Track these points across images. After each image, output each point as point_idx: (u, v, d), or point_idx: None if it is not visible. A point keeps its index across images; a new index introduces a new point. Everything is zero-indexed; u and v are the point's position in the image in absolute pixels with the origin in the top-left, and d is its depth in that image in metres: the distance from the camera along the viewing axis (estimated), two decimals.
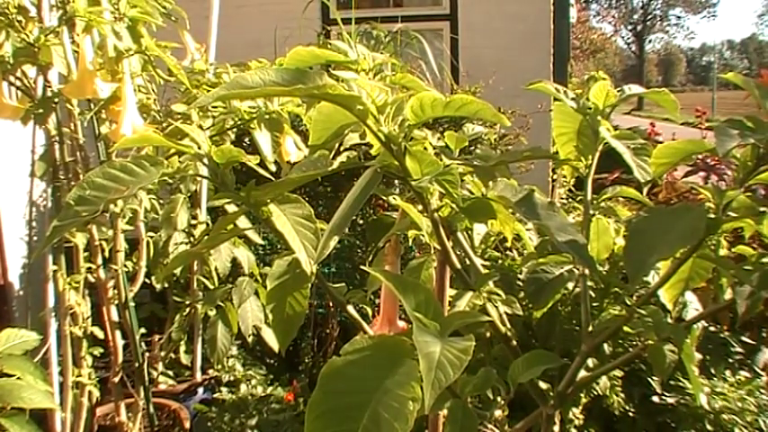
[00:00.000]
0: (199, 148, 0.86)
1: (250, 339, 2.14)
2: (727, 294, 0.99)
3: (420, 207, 0.95)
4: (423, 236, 0.99)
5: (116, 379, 1.91)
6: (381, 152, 0.84)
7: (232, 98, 1.35)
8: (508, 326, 1.02)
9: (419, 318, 0.72)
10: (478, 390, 0.85)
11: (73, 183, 1.65)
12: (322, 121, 0.88)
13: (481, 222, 1.20)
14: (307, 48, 0.93)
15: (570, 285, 1.18)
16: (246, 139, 2.41)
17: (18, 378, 1.43)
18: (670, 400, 1.97)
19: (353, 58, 0.99)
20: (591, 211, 1.10)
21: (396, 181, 2.38)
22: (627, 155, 0.97)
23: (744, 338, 2.27)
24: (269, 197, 0.87)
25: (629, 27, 47.54)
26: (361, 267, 1.26)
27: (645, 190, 1.03)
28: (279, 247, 2.70)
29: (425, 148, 0.90)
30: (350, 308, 0.95)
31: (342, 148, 1.02)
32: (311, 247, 0.84)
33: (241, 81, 0.71)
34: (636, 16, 47.29)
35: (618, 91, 1.04)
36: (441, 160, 0.84)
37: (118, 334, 1.87)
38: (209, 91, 1.87)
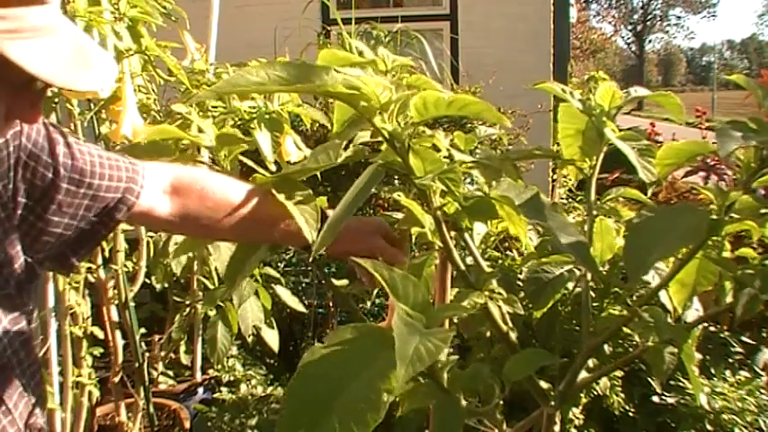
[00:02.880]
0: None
1: (250, 339, 2.13)
2: (729, 297, 0.99)
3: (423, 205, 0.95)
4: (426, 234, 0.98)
5: (116, 379, 1.91)
6: (384, 149, 0.84)
7: (234, 93, 1.35)
8: (510, 325, 1.01)
9: (402, 308, 0.70)
10: (468, 384, 0.84)
11: None
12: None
13: (483, 221, 1.20)
14: (330, 50, 0.92)
15: (570, 285, 1.18)
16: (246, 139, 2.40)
17: None
18: (670, 400, 1.97)
19: (371, 59, 0.99)
20: (594, 212, 1.10)
21: (395, 182, 2.38)
22: (632, 156, 0.97)
23: (744, 338, 2.26)
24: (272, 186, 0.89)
25: (629, 27, 47.53)
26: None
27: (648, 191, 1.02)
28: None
29: (436, 147, 0.90)
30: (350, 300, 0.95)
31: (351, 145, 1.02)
32: (312, 221, 0.88)
33: (243, 77, 0.70)
34: (636, 16, 47.29)
35: (624, 93, 1.04)
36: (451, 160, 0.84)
37: (118, 334, 1.87)
38: None
